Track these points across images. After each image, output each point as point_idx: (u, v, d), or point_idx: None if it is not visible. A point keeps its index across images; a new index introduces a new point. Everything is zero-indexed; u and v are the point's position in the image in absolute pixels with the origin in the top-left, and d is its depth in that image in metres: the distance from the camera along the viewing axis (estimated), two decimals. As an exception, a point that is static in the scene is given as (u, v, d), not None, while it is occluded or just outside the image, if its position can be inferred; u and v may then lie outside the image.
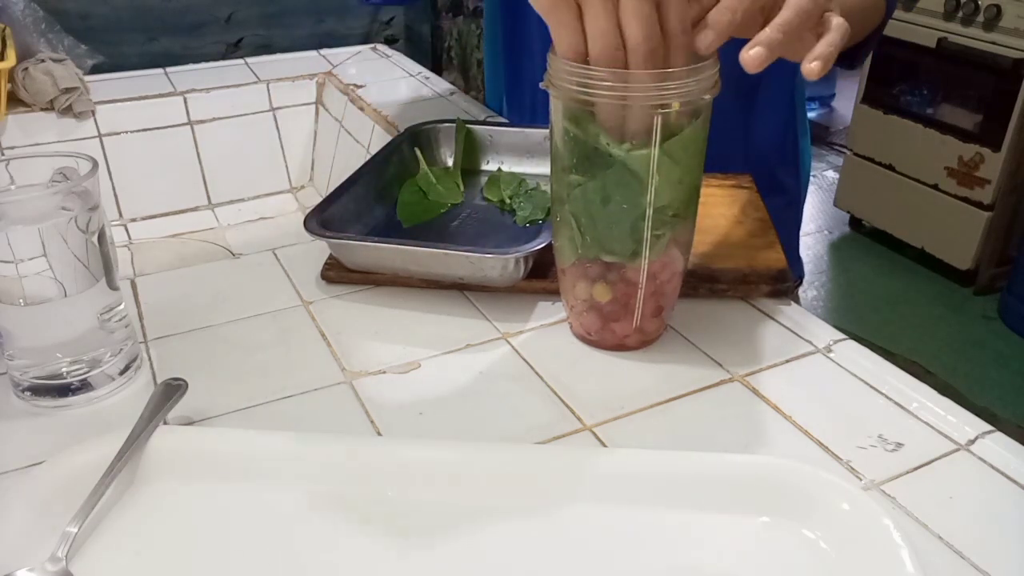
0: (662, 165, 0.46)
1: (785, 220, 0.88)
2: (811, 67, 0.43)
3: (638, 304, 0.51)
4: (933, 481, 0.43)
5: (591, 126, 0.46)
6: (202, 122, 0.98)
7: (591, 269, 0.50)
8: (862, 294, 2.39)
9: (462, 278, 0.58)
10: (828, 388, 0.50)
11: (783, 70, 0.79)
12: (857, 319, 2.23)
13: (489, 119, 0.89)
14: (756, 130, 0.82)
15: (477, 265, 0.56)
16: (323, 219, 0.60)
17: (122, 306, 0.51)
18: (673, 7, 0.43)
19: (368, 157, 0.74)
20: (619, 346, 0.53)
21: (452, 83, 1.07)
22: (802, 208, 0.93)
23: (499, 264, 0.56)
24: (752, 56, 0.43)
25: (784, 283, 0.58)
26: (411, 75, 1.07)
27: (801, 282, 0.94)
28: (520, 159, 0.77)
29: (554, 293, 0.57)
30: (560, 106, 0.47)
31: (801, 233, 0.96)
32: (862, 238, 2.65)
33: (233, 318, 0.58)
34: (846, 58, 0.73)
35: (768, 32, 0.43)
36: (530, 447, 0.45)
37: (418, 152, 0.75)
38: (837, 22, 0.45)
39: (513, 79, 0.90)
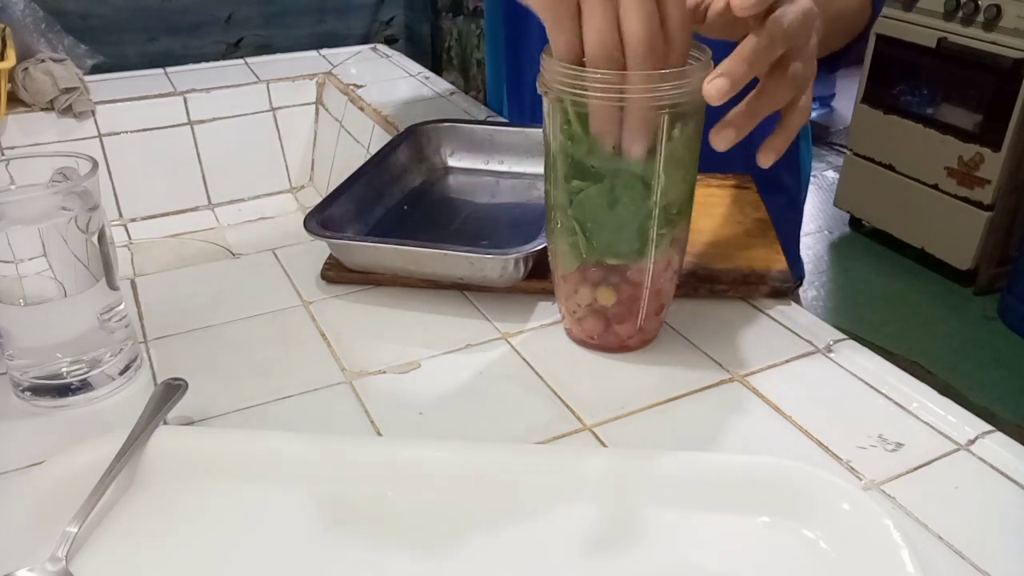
0: (668, 164, 0.46)
1: (785, 220, 0.88)
2: (763, 157, 0.46)
3: (643, 304, 0.51)
4: (933, 481, 0.43)
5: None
6: (202, 122, 0.98)
7: (594, 273, 0.50)
8: (862, 294, 2.39)
9: (462, 278, 0.58)
10: (828, 388, 0.50)
11: None
12: (857, 319, 2.23)
13: (489, 119, 0.89)
14: (755, 129, 0.82)
15: (477, 265, 0.56)
16: (323, 219, 0.60)
17: (122, 306, 0.51)
18: (674, 4, 0.42)
19: (368, 157, 0.74)
20: (621, 348, 0.53)
21: (452, 83, 1.07)
22: (802, 209, 0.92)
23: (499, 264, 0.56)
24: (722, 137, 0.44)
25: (784, 283, 0.58)
26: (411, 75, 1.07)
27: (801, 283, 0.94)
28: (520, 159, 0.77)
29: (554, 293, 0.57)
30: (557, 108, 0.47)
31: (801, 233, 0.96)
32: (862, 238, 2.65)
33: (233, 318, 0.58)
34: (826, 63, 0.72)
35: (738, 111, 0.44)
36: (530, 447, 0.45)
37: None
38: (801, 106, 0.46)
39: (514, 79, 0.90)
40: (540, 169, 0.76)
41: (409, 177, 0.74)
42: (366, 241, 0.60)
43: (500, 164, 0.77)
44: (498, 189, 0.75)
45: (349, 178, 0.67)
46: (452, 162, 0.78)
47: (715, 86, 0.42)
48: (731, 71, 0.42)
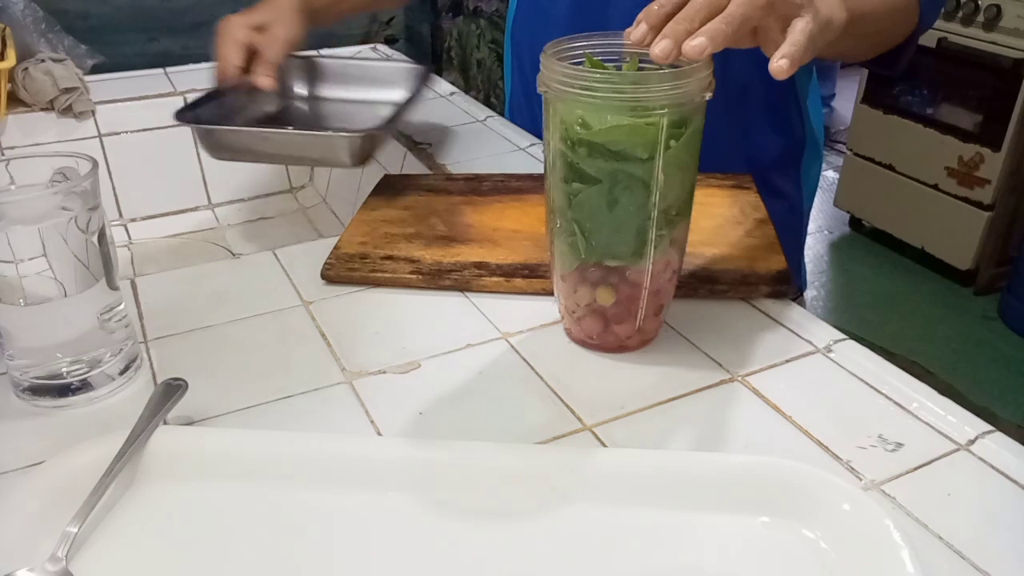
0: (668, 165, 0.46)
1: (787, 227, 0.87)
2: (777, 65, 0.45)
3: (642, 304, 0.51)
4: (933, 481, 0.43)
5: (592, 128, 0.46)
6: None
7: (593, 273, 0.50)
8: (862, 294, 2.38)
9: (316, 160, 0.65)
10: (828, 388, 0.50)
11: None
12: (857, 319, 2.23)
13: (487, 119, 0.89)
14: (749, 133, 0.82)
15: (326, 144, 0.64)
16: (194, 115, 0.71)
17: (122, 306, 0.51)
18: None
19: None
20: (620, 347, 0.53)
21: (452, 83, 1.07)
22: (806, 218, 0.90)
23: (346, 144, 0.64)
24: (694, 46, 0.43)
25: (784, 283, 0.58)
26: (411, 75, 1.07)
27: (802, 293, 0.92)
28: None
29: (553, 293, 0.57)
30: (557, 110, 0.47)
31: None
32: (862, 238, 2.64)
33: (233, 318, 0.58)
34: (884, 62, 0.72)
35: (712, 24, 0.44)
36: (530, 447, 0.45)
37: None
38: (801, 25, 0.46)
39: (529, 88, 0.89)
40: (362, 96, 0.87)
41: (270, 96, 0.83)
42: (228, 127, 0.69)
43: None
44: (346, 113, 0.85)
45: (217, 89, 0.76)
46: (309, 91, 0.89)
47: (695, 45, 0.43)
48: (711, 31, 0.43)
